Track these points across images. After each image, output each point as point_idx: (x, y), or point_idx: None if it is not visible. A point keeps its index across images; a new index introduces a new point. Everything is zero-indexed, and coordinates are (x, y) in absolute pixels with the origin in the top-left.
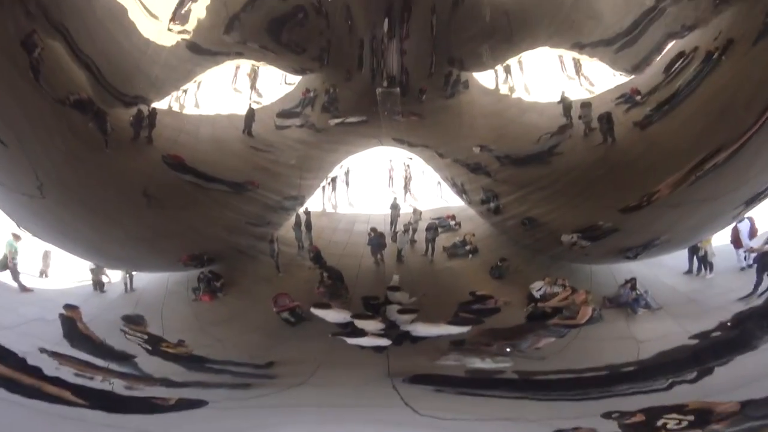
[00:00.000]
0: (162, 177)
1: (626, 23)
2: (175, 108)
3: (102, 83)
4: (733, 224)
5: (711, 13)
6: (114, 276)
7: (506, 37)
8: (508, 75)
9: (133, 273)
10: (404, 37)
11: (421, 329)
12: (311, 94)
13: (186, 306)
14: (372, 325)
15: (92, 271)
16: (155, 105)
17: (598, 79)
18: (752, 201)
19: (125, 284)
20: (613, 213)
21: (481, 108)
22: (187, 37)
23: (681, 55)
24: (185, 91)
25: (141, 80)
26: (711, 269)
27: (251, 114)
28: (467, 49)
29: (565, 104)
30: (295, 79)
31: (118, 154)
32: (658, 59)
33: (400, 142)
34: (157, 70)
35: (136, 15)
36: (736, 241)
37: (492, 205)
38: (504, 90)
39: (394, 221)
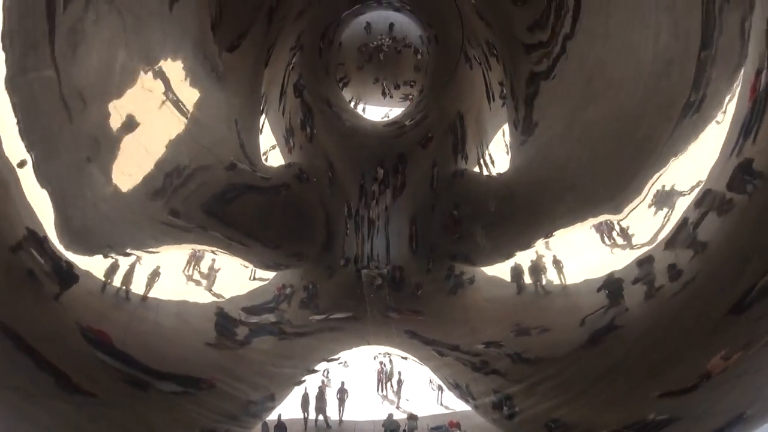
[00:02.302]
0: (89, 362)
1: None
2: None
3: None
4: None
5: None
6: None
7: (514, 224)
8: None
9: None
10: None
11: None
12: (287, 291)
13: None
14: None
15: None
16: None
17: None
18: None
19: None
20: (662, 401)
21: (491, 301)
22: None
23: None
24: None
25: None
26: None
27: (221, 313)
28: (472, 243)
29: (611, 283)
30: (267, 274)
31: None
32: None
33: (391, 341)
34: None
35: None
36: None
37: (506, 409)
38: (521, 279)
39: None
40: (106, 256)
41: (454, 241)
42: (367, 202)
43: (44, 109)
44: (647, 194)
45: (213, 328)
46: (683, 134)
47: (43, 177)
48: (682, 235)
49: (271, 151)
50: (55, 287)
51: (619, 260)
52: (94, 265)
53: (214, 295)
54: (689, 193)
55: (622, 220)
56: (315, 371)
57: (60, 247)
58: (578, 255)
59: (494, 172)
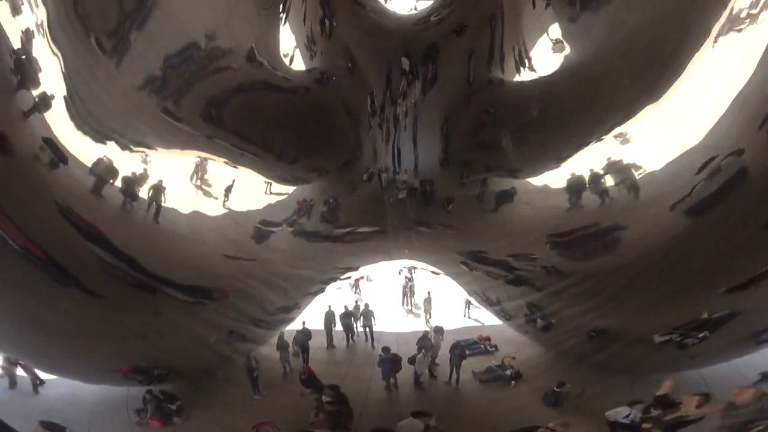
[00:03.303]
0: (95, 263)
1: None
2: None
3: None
4: None
5: None
6: None
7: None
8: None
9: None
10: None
11: None
12: (307, 204)
13: (125, 427)
14: None
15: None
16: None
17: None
18: None
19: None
20: (718, 297)
21: (533, 214)
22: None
23: None
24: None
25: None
26: None
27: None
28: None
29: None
30: (285, 188)
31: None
32: None
33: (418, 255)
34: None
35: None
36: None
37: (541, 322)
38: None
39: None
40: (105, 143)
41: (490, 152)
42: (393, 96)
43: None
44: None
45: (226, 239)
46: None
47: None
48: None
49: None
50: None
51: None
52: (90, 152)
53: (226, 208)
54: None
55: None
56: (333, 280)
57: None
58: (640, 151)
59: (535, 76)
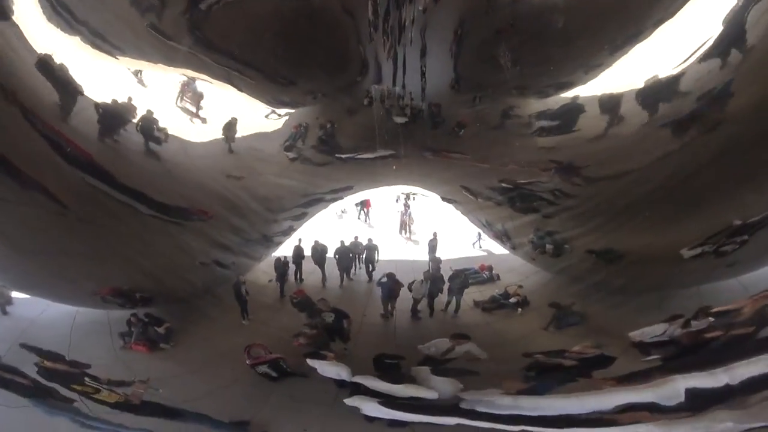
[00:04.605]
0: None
1: None
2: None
3: None
4: None
5: None
6: None
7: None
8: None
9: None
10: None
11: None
12: (302, 128)
13: (108, 352)
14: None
15: None
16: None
17: None
18: None
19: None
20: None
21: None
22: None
23: None
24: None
25: None
26: None
27: (232, 126)
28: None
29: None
30: (279, 111)
31: None
32: None
33: (422, 181)
34: None
35: None
36: None
37: (550, 247)
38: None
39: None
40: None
41: (508, 68)
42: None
43: None
44: None
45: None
46: None
47: None
48: None
49: None
50: None
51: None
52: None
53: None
54: None
55: None
56: (323, 200)
57: None
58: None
59: None
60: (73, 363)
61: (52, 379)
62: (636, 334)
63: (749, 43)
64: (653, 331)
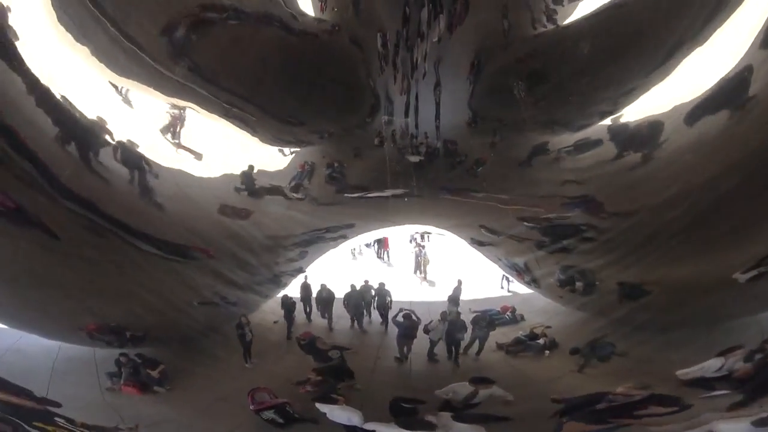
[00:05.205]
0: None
1: None
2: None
3: None
4: None
5: None
6: None
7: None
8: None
9: None
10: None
11: None
12: (307, 167)
13: (90, 391)
14: None
15: None
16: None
17: None
18: None
19: None
20: None
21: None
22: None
23: None
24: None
25: None
26: None
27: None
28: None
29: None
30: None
31: None
32: None
33: (437, 220)
34: None
35: None
36: None
37: (580, 285)
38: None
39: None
40: None
41: (529, 105)
42: (409, 33)
43: None
44: None
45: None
46: None
47: None
48: None
49: None
50: None
51: None
52: None
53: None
54: None
55: None
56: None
57: None
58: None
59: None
60: (42, 400)
61: (14, 414)
62: (692, 371)
63: None
64: (709, 367)
